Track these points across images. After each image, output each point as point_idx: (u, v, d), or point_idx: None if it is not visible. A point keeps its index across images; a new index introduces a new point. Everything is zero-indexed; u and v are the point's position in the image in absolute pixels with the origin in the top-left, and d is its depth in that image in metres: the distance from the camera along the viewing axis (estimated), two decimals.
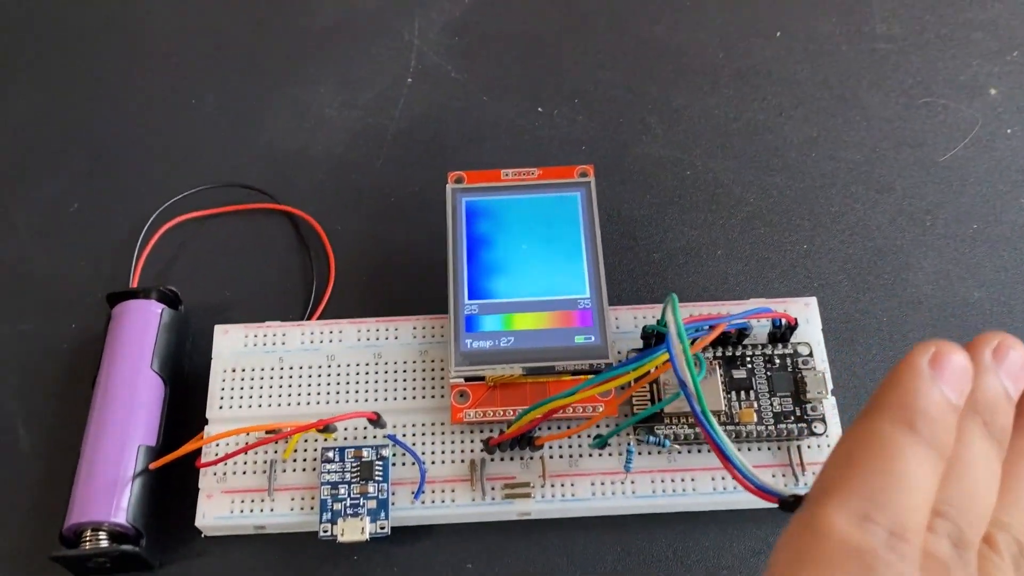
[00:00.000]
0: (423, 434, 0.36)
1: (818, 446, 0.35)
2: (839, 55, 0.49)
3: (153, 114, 0.48)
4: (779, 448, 0.36)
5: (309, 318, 0.41)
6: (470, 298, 0.37)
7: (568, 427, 0.36)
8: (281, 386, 0.37)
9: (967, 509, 0.21)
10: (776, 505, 0.29)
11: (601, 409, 0.35)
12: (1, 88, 0.49)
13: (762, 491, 0.29)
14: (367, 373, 0.37)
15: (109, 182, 0.46)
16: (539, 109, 0.48)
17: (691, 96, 0.48)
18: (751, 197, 0.44)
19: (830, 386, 0.36)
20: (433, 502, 0.35)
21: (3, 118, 0.48)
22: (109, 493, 0.34)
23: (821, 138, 0.46)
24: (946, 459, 0.21)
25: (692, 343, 0.32)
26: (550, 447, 0.35)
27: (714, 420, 0.30)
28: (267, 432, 0.35)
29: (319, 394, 0.37)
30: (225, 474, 0.35)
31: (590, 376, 0.35)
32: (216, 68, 0.49)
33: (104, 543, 0.34)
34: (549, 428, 0.36)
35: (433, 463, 0.36)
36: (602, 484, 0.35)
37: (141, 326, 0.38)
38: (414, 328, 0.38)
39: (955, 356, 0.21)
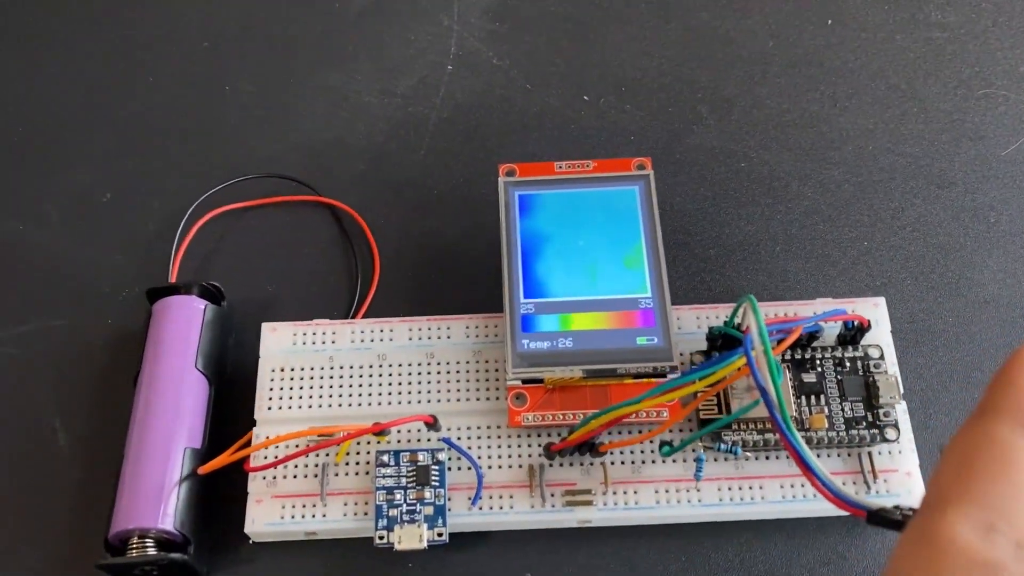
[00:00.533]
0: (479, 437, 0.35)
1: (889, 452, 0.34)
2: (893, 44, 0.47)
3: (185, 101, 0.46)
4: (849, 455, 0.34)
5: (355, 315, 0.39)
6: (526, 296, 0.36)
7: (631, 432, 0.34)
8: (332, 386, 0.36)
9: None
10: (863, 518, 0.28)
11: (666, 414, 0.34)
12: (32, 74, 0.47)
13: (847, 503, 0.28)
14: (419, 373, 0.36)
15: (143, 172, 0.44)
16: (585, 98, 0.46)
17: (742, 85, 0.46)
18: (809, 191, 0.43)
19: (902, 390, 0.34)
20: (491, 508, 0.34)
21: (34, 105, 0.46)
22: (156, 498, 0.33)
23: (878, 130, 0.44)
24: None
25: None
26: (612, 452, 0.34)
27: (795, 429, 0.29)
28: (320, 436, 0.34)
29: (371, 395, 0.36)
30: (275, 478, 0.34)
31: (655, 380, 0.34)
32: (249, 53, 0.48)
33: (152, 551, 0.32)
34: (610, 435, 0.34)
35: (490, 468, 0.34)
36: (667, 492, 0.34)
37: (184, 323, 0.37)
38: (467, 327, 0.37)
39: None
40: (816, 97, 0.46)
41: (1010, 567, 0.18)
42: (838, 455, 0.34)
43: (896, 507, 0.27)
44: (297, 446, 0.34)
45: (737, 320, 0.34)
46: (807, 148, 0.44)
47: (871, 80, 0.46)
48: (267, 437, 0.35)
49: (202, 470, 0.33)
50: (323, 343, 0.36)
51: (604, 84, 0.46)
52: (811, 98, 0.46)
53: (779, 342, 0.32)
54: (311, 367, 0.36)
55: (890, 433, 0.34)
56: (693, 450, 0.34)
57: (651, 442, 0.34)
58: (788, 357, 0.35)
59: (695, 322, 0.37)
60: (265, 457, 0.34)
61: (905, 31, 0.48)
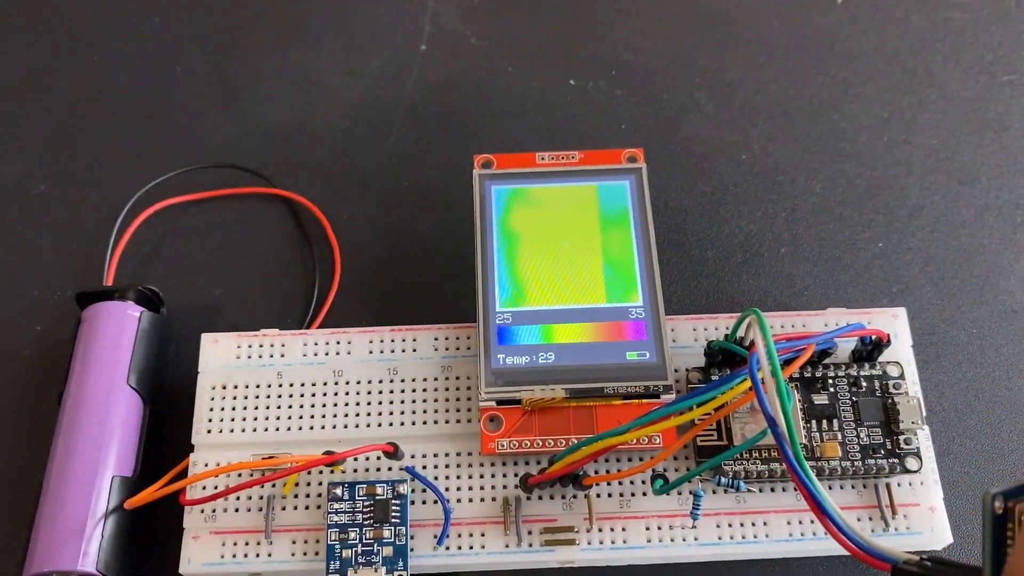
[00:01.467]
0: (447, 467, 0.31)
1: (910, 484, 0.30)
2: (909, 25, 0.43)
3: (132, 82, 0.42)
4: (864, 487, 0.30)
5: (310, 324, 0.35)
6: (502, 305, 0.32)
7: (619, 462, 0.30)
8: (280, 407, 0.32)
9: None
10: (888, 572, 0.24)
11: (659, 441, 0.30)
12: None
13: (871, 555, 0.24)
14: (380, 392, 0.32)
15: (80, 161, 0.40)
16: (571, 81, 0.42)
17: (744, 69, 0.42)
18: (817, 186, 0.39)
19: (924, 413, 0.31)
20: (459, 548, 0.30)
21: None
22: (77, 535, 0.29)
23: (893, 119, 0.41)
24: None
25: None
26: (597, 485, 0.30)
27: (810, 469, 0.25)
28: (264, 471, 0.30)
29: (324, 416, 0.32)
30: (215, 511, 0.30)
31: (647, 400, 0.30)
32: (204, 30, 0.44)
33: None
34: (596, 466, 0.30)
35: (459, 501, 0.30)
36: (659, 529, 0.30)
37: (116, 332, 0.33)
38: (435, 339, 0.33)
39: None
40: (826, 82, 0.42)
41: None
42: (852, 487, 0.30)
43: (923, 559, 0.24)
44: (240, 476, 0.30)
45: (740, 334, 0.30)
46: (815, 138, 0.40)
47: (885, 64, 0.42)
48: (206, 465, 0.31)
49: (129, 504, 0.29)
50: (271, 357, 0.32)
51: (593, 67, 0.43)
52: (820, 83, 0.42)
53: (788, 362, 0.28)
54: (257, 384, 0.32)
55: (911, 463, 0.30)
56: (695, 488, 0.30)
57: (642, 474, 0.30)
58: (796, 376, 0.31)
59: (691, 334, 0.33)
60: (203, 488, 0.30)
61: (922, 11, 0.44)
